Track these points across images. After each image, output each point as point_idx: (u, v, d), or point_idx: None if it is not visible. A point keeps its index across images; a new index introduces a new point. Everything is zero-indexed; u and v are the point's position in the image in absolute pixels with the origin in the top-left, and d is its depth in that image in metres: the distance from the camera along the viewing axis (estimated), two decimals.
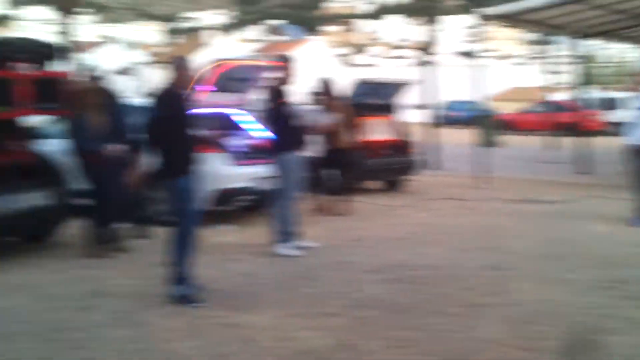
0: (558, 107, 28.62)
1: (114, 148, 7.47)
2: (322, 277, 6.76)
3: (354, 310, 5.66)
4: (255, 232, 8.92)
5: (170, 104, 5.83)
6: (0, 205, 7.17)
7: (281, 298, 6.02)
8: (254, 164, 9.78)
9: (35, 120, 9.41)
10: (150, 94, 5.90)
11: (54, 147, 9.17)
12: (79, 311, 5.61)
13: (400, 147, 13.22)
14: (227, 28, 77.38)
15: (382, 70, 75.69)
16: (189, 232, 5.91)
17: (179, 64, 5.94)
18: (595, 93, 35.35)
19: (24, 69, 7.26)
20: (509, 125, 36.13)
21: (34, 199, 7.52)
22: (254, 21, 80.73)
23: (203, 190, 6.21)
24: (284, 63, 7.87)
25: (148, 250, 7.72)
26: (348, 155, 10.60)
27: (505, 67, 79.15)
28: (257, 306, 5.77)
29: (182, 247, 5.87)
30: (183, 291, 5.81)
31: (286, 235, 7.86)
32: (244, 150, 9.67)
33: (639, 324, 5.37)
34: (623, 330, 5.18)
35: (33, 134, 9.09)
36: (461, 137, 29.99)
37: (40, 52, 7.58)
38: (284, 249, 7.73)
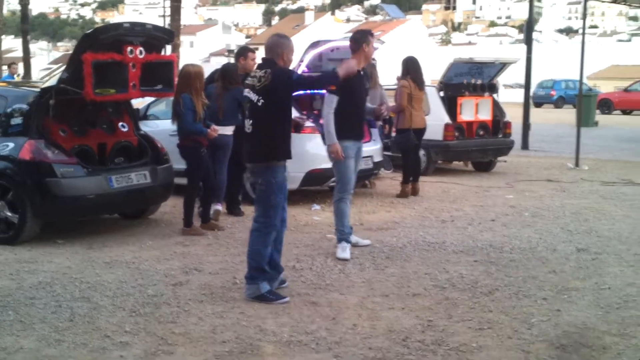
0: None
1: (214, 130, 7.75)
2: (411, 257, 6.82)
3: (441, 291, 5.71)
4: None
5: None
6: (108, 184, 7.54)
7: (368, 278, 6.11)
8: None
9: (142, 101, 9.82)
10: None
11: (158, 127, 9.59)
12: (169, 286, 5.82)
13: (494, 128, 13.07)
14: (325, 8, 77.79)
15: (480, 48, 74.60)
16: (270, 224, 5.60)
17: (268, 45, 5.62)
18: None
19: (139, 52, 7.55)
20: (607, 104, 34.99)
21: (138, 178, 7.86)
22: (353, 1, 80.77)
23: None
24: (358, 41, 6.89)
25: (240, 229, 7.95)
26: (420, 135, 10.51)
27: (605, 44, 76.16)
28: (345, 285, 5.88)
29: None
30: (264, 289, 5.50)
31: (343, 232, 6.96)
32: None
33: None
34: None
35: (139, 114, 9.51)
36: (557, 117, 29.43)
37: (157, 37, 7.89)
38: (340, 251, 6.84)
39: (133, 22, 7.89)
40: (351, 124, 6.89)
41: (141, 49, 7.56)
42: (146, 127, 9.14)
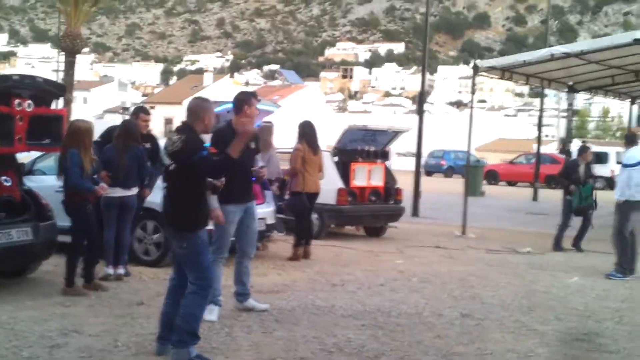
0: (543, 158, 29.05)
1: (103, 188, 7.61)
2: (300, 321, 6.77)
3: (328, 356, 5.68)
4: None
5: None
6: None
7: (256, 341, 6.01)
8: None
9: (27, 155, 9.52)
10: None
11: (44, 183, 9.27)
12: (45, 349, 5.56)
13: (385, 194, 13.34)
14: (224, 71, 78.27)
15: (375, 117, 76.64)
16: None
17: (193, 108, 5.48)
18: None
19: (27, 105, 7.34)
20: (494, 176, 36.56)
21: (19, 234, 7.54)
22: (252, 65, 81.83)
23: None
24: (240, 101, 6.82)
25: (126, 290, 7.76)
26: (313, 199, 10.64)
27: (493, 118, 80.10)
28: (231, 349, 5.77)
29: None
30: (192, 353, 5.31)
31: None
32: None
33: None
34: None
35: (24, 169, 9.21)
36: (446, 186, 30.44)
37: (47, 90, 7.72)
38: (207, 313, 6.20)
39: (23, 74, 7.73)
40: (233, 187, 6.58)
41: (30, 102, 7.37)
42: (31, 182, 8.82)
